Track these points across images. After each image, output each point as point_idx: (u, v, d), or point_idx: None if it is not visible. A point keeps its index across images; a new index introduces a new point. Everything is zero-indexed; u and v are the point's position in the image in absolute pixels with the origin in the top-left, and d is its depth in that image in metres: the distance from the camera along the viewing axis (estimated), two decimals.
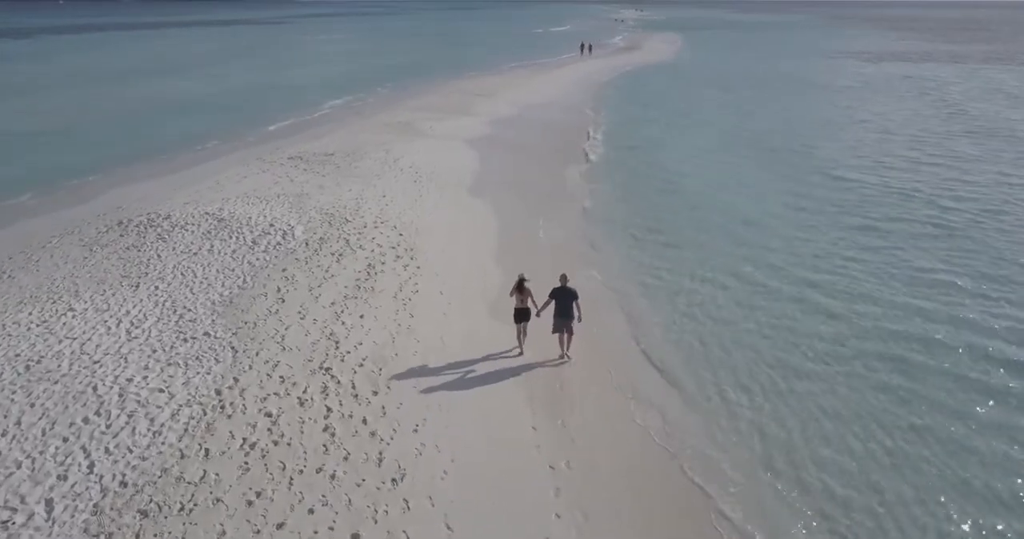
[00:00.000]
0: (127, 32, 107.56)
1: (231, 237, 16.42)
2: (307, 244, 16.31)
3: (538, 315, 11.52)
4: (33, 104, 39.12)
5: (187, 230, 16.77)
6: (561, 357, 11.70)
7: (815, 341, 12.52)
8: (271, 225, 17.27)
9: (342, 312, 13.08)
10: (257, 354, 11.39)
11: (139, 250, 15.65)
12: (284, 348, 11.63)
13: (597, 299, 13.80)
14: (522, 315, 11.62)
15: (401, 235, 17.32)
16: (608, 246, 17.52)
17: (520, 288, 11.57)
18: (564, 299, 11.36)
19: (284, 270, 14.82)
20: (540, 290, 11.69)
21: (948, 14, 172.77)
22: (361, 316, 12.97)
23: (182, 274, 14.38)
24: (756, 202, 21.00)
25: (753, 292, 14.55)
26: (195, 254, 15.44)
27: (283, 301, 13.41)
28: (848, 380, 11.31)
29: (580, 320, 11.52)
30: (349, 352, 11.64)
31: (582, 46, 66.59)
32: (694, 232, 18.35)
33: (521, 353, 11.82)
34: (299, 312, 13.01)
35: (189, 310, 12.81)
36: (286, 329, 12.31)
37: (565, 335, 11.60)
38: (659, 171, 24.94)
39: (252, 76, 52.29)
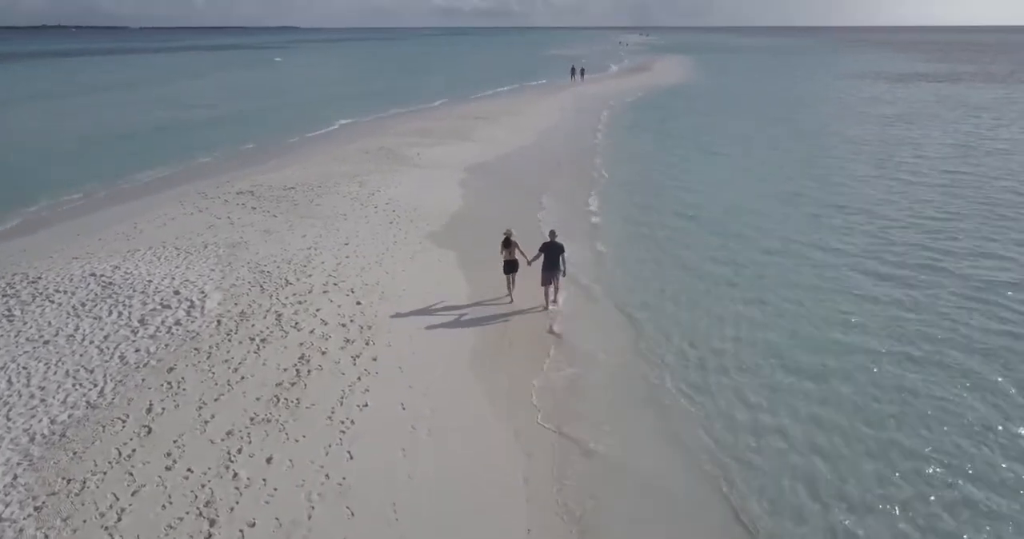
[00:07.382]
0: (118, 56, 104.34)
1: (111, 313, 11.53)
2: (219, 323, 11.42)
3: (529, 264, 12.07)
4: None
5: (52, 302, 11.89)
6: (546, 307, 12.17)
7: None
8: (176, 292, 12.40)
9: (238, 452, 8.14)
10: None
11: None
12: None
13: None
14: (511, 266, 12.29)
15: (359, 304, 12.49)
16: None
17: (507, 243, 12.11)
18: (552, 253, 11.85)
19: (171, 370, 9.91)
20: None
21: (951, 37, 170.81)
22: (268, 460, 8.04)
23: (9, 381, 9.44)
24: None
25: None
26: (47, 343, 10.53)
27: (149, 431, 8.48)
28: None
29: (565, 273, 12.11)
30: None
31: (573, 70, 59.83)
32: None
33: (511, 301, 12.43)
34: (168, 454, 8.07)
35: None
36: (133, 494, 7.35)
37: (552, 287, 12.14)
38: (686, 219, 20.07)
39: (230, 98, 47.98)
